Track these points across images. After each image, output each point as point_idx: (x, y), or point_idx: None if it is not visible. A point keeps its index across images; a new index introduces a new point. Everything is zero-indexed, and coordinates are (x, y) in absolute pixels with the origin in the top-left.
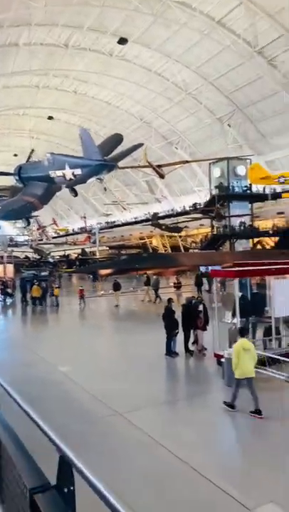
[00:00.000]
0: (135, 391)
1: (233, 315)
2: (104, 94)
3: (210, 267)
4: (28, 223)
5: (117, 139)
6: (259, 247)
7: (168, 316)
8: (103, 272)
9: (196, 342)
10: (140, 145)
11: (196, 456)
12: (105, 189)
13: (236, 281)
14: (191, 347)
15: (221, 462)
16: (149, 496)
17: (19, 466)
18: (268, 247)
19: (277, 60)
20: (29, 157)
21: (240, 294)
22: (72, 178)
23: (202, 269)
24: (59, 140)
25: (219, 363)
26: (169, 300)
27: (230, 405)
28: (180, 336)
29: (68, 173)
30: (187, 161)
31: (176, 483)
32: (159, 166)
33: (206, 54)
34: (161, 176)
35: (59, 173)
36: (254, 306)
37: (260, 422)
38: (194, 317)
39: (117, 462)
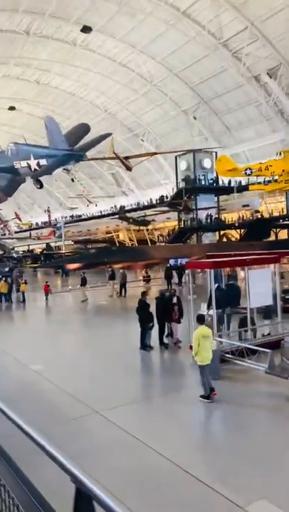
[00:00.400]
0: (112, 388)
1: (209, 306)
2: (67, 84)
3: (179, 260)
4: None
5: (83, 129)
6: (224, 239)
7: (142, 309)
8: (71, 266)
9: (170, 335)
10: (108, 135)
11: (181, 453)
12: (73, 180)
13: (212, 272)
14: (166, 340)
15: (206, 459)
16: (134, 498)
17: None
18: (233, 239)
19: (241, 53)
20: None
21: (216, 285)
22: (38, 168)
23: (171, 261)
24: (21, 132)
25: None
26: (144, 293)
27: (207, 397)
28: (154, 330)
29: (33, 163)
30: (155, 153)
31: (163, 483)
32: (126, 158)
33: (171, 45)
34: (129, 168)
35: (23, 163)
36: (229, 298)
37: (243, 415)
38: (169, 310)
39: (100, 462)
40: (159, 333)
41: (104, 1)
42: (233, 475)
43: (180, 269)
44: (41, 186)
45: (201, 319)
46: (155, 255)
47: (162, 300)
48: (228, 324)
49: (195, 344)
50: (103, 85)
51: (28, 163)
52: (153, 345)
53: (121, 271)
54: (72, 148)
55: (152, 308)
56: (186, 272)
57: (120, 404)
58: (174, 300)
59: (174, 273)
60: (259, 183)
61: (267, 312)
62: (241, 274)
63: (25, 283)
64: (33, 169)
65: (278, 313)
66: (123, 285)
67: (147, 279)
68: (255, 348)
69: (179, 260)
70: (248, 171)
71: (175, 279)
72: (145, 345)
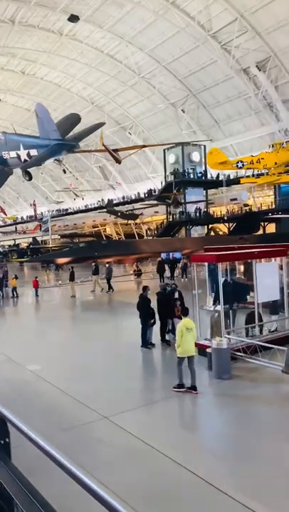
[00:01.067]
0: (116, 390)
1: (215, 302)
2: (54, 75)
3: (171, 253)
4: None
5: (73, 119)
6: (212, 233)
7: (143, 304)
8: (61, 260)
9: (172, 331)
10: (101, 124)
11: (202, 463)
12: (64, 171)
13: (219, 265)
14: (167, 337)
15: (231, 469)
16: None
17: None
18: (220, 233)
19: (230, 45)
20: None
21: (217, 280)
22: (28, 159)
23: (163, 255)
24: (6, 124)
25: (202, 353)
26: (145, 288)
27: (180, 385)
28: (155, 326)
29: (23, 153)
30: (144, 146)
31: (187, 499)
32: (116, 151)
33: (159, 36)
34: (118, 161)
35: (12, 153)
36: (236, 292)
37: (264, 420)
38: (170, 305)
39: (116, 475)
40: (160, 329)
41: None
42: (267, 489)
43: (172, 262)
44: (30, 178)
45: (185, 312)
46: (146, 249)
47: (163, 295)
48: (232, 320)
49: (178, 336)
50: (90, 77)
51: (17, 154)
52: (154, 343)
53: (106, 265)
54: (64, 137)
55: (153, 304)
56: (179, 265)
57: (128, 408)
58: (176, 295)
59: (166, 267)
60: (248, 176)
61: (273, 307)
62: (241, 268)
63: (16, 278)
64: (22, 160)
65: (285, 308)
66: (108, 280)
67: (138, 273)
68: (270, 345)
69: (171, 254)
70: (240, 164)
71: (167, 273)
72: (147, 343)
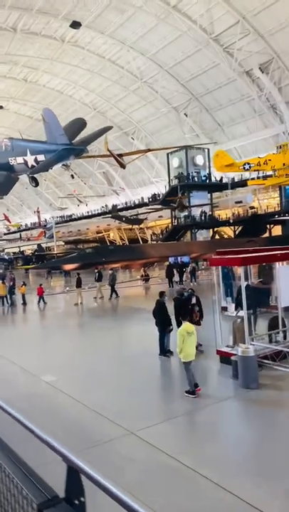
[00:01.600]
0: (138, 402)
1: (237, 306)
2: (56, 82)
3: (179, 258)
4: None
5: (79, 124)
6: (217, 236)
7: (160, 311)
8: (68, 266)
9: None
10: (109, 128)
11: (243, 483)
12: (72, 176)
13: (242, 269)
14: None
15: (278, 492)
16: None
17: (22, 482)
18: (225, 236)
19: (233, 48)
20: None
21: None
22: (35, 164)
23: (171, 260)
24: (8, 131)
25: (224, 361)
26: (162, 293)
27: (192, 392)
28: (172, 333)
29: (30, 159)
30: (149, 150)
31: None
32: (120, 156)
33: (161, 41)
34: (122, 166)
35: (19, 159)
36: (257, 297)
37: None
38: (188, 311)
39: (152, 495)
40: None
41: None
42: None
43: (181, 267)
44: (36, 184)
45: (185, 316)
46: (153, 254)
47: (181, 300)
48: (254, 325)
49: (179, 341)
50: (92, 83)
51: (24, 159)
52: (172, 350)
53: (110, 271)
54: (72, 142)
55: (169, 310)
56: (188, 269)
57: (154, 421)
58: (194, 300)
59: (175, 271)
60: (253, 178)
61: None
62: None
63: (25, 285)
64: (30, 165)
65: None
66: (112, 287)
67: (146, 278)
68: None
69: (179, 258)
70: (247, 166)
71: (176, 278)
72: (165, 351)
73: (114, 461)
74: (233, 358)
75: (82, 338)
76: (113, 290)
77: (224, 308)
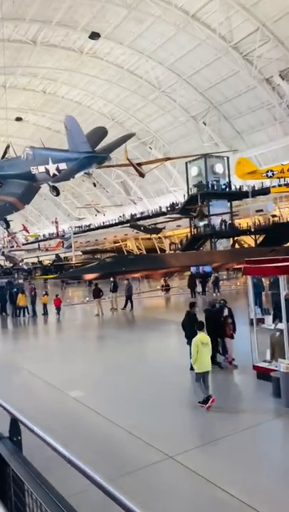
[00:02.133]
0: (174, 422)
1: (275, 319)
2: (74, 93)
3: (201, 267)
4: (8, 225)
5: (101, 133)
6: (237, 246)
7: (191, 323)
8: (88, 276)
9: (221, 352)
10: (131, 135)
11: None
12: (94, 185)
13: (282, 279)
14: (218, 358)
15: None
16: None
17: None
18: (245, 245)
19: (252, 55)
20: (5, 153)
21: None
22: (57, 173)
23: (192, 269)
24: (27, 143)
25: (262, 378)
26: (192, 304)
27: (205, 401)
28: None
29: (52, 168)
30: (168, 158)
31: None
32: (139, 165)
33: (180, 50)
34: (142, 175)
35: (41, 168)
36: None
37: None
38: (221, 323)
39: None
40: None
41: (112, 6)
42: None
43: (203, 277)
44: (58, 194)
45: (200, 326)
46: (174, 263)
47: (212, 312)
48: None
49: (194, 351)
50: (110, 93)
51: (46, 168)
52: None
53: (126, 281)
54: (94, 150)
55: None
56: (211, 279)
57: (193, 444)
58: (226, 312)
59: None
60: (274, 186)
61: None
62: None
63: (46, 294)
64: (51, 174)
65: None
66: (129, 297)
67: (167, 289)
68: None
69: (201, 268)
70: (270, 173)
71: (199, 288)
72: None
73: (154, 491)
74: (273, 374)
75: (106, 351)
76: (129, 300)
77: (260, 320)
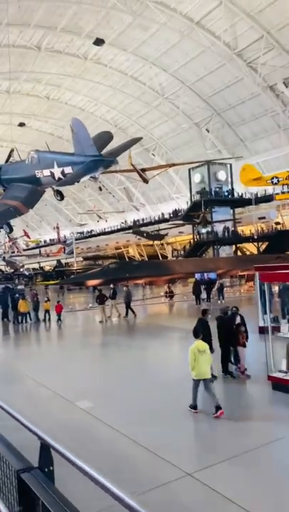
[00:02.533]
0: (187, 436)
1: None
2: (78, 99)
3: (206, 274)
4: (11, 230)
5: (106, 137)
6: (239, 253)
7: (204, 331)
8: (91, 282)
9: (235, 362)
10: (138, 139)
11: None
12: (100, 189)
13: None
14: (230, 367)
15: None
16: None
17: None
18: (248, 253)
19: (257, 63)
20: (9, 156)
21: None
22: (62, 177)
23: (197, 276)
24: (30, 148)
25: (278, 388)
26: (205, 311)
27: (194, 407)
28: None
29: (57, 171)
30: (173, 164)
31: None
32: (143, 170)
33: (184, 57)
34: (145, 181)
35: (46, 172)
36: None
37: None
38: (234, 331)
39: None
40: (222, 359)
41: (117, 12)
42: None
43: (208, 284)
44: (62, 198)
45: (196, 333)
46: (179, 270)
47: (224, 320)
48: None
49: (191, 359)
50: (114, 99)
51: (51, 172)
52: (216, 375)
53: (125, 288)
54: (101, 154)
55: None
56: (216, 286)
57: (211, 461)
58: (238, 319)
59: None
60: (277, 193)
61: None
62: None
63: (49, 300)
64: (56, 178)
65: None
66: (128, 304)
67: (171, 295)
68: None
69: (206, 275)
70: (275, 180)
71: (204, 295)
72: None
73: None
74: None
75: (112, 359)
76: (129, 308)
77: (275, 329)
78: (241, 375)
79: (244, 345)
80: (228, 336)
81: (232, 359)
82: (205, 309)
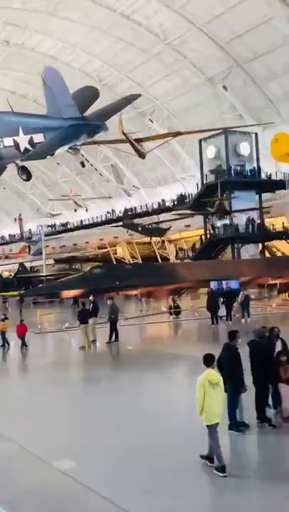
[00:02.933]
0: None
1: None
2: (49, 45)
3: (224, 283)
4: None
5: (90, 94)
6: (267, 254)
7: (232, 361)
8: (68, 293)
9: (275, 404)
10: (137, 96)
11: None
12: (83, 165)
13: None
14: (268, 411)
15: None
16: None
17: None
18: (279, 254)
19: None
20: None
21: None
22: (30, 148)
23: (212, 285)
24: None
25: None
26: (234, 334)
27: (222, 468)
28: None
29: (23, 140)
30: (179, 133)
31: None
32: (138, 141)
33: None
34: (142, 155)
35: (7, 141)
36: None
37: None
38: (273, 363)
39: None
40: (256, 401)
41: None
42: None
43: (228, 296)
44: (28, 177)
45: (208, 360)
46: (187, 276)
47: (261, 346)
48: None
49: (199, 395)
50: (98, 46)
51: (14, 141)
52: (248, 423)
53: (109, 302)
54: (84, 116)
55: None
56: (239, 299)
57: None
58: (279, 345)
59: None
60: None
61: None
62: None
63: (6, 318)
64: (22, 149)
65: None
66: (113, 324)
67: (176, 311)
68: None
69: (224, 283)
70: None
71: (223, 312)
72: (238, 424)
73: None
74: None
75: (98, 401)
76: (114, 329)
77: None
78: (284, 422)
79: (288, 382)
80: (266, 368)
81: (270, 401)
82: (234, 331)
